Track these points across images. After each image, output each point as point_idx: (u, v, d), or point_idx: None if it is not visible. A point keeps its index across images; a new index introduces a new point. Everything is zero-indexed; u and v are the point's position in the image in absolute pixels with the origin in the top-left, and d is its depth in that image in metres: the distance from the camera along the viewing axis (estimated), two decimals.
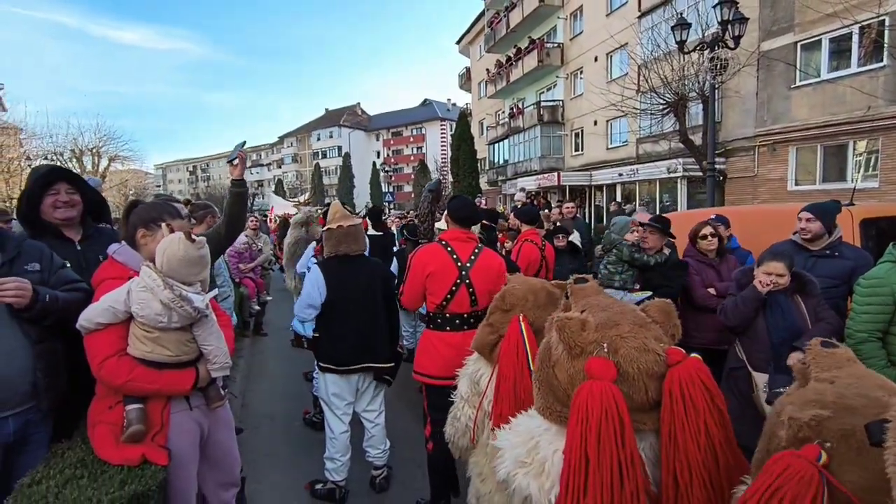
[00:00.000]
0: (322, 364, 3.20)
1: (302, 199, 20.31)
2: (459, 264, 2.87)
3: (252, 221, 7.51)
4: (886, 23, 10.05)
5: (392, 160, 58.32)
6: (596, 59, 20.28)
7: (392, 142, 60.77)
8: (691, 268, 3.77)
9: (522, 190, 12.24)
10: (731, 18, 8.51)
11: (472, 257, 2.91)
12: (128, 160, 33.05)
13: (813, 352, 1.07)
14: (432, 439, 2.89)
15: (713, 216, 4.34)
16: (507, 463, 1.40)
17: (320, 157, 62.36)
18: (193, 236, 2.01)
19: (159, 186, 74.63)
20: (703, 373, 1.31)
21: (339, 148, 59.93)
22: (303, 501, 3.29)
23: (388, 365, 3.20)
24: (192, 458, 2.09)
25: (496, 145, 28.86)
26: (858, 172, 11.60)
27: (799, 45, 12.39)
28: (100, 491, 1.69)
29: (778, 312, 2.81)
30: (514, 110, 26.11)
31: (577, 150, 22.67)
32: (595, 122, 20.42)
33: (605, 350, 1.34)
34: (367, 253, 3.38)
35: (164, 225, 2.07)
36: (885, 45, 10.14)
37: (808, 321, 2.81)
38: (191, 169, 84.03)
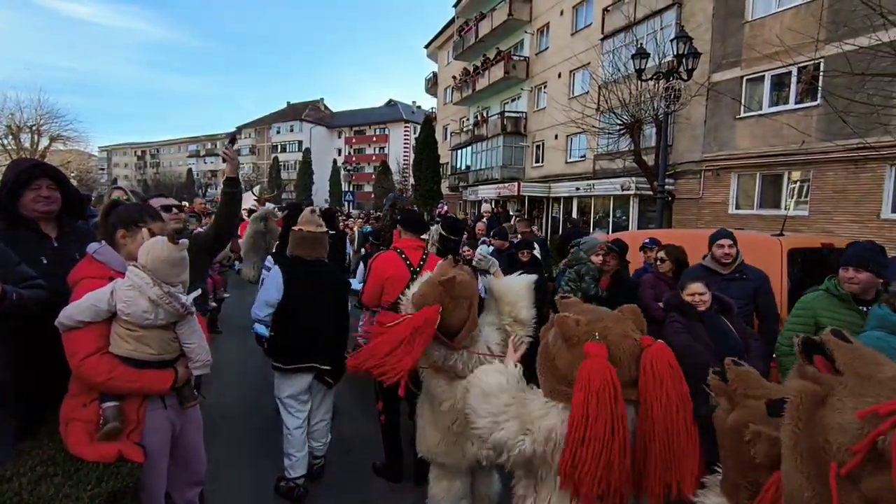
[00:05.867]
0: (272, 363, 3.38)
1: (256, 191, 19.77)
2: (412, 268, 3.39)
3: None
4: (821, 66, 10.98)
5: (354, 159, 57.76)
6: (559, 76, 20.95)
7: (354, 140, 60.19)
8: (648, 281, 4.09)
9: (488, 202, 12.52)
10: (685, 52, 9.10)
11: (422, 262, 3.44)
12: (71, 141, 31.26)
13: (733, 371, 1.28)
14: (385, 413, 3.45)
15: (647, 240, 4.80)
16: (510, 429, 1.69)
17: (279, 150, 60.97)
18: (176, 238, 2.07)
19: (103, 170, 70.72)
20: (669, 354, 1.68)
21: (300, 143, 58.83)
22: (260, 501, 3.34)
23: (328, 368, 3.35)
24: (163, 456, 2.14)
25: (459, 151, 29.20)
26: (791, 199, 12.61)
27: (745, 79, 13.31)
28: (77, 488, 1.72)
29: (720, 333, 3.11)
30: (479, 118, 26.53)
31: (537, 161, 23.29)
32: (556, 136, 21.07)
33: (598, 337, 1.67)
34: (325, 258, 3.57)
35: (145, 229, 2.11)
36: (819, 87, 11.07)
37: (740, 340, 3.14)
38: (139, 154, 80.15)
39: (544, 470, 1.69)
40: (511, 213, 17.01)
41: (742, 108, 13.19)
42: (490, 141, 25.00)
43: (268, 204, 7.53)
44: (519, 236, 7.15)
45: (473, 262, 2.98)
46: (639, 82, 11.32)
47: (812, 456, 0.95)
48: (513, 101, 25.21)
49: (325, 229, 3.54)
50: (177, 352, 2.09)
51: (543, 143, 22.52)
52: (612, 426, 1.52)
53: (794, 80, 12.30)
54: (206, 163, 70.16)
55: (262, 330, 3.90)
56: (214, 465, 3.66)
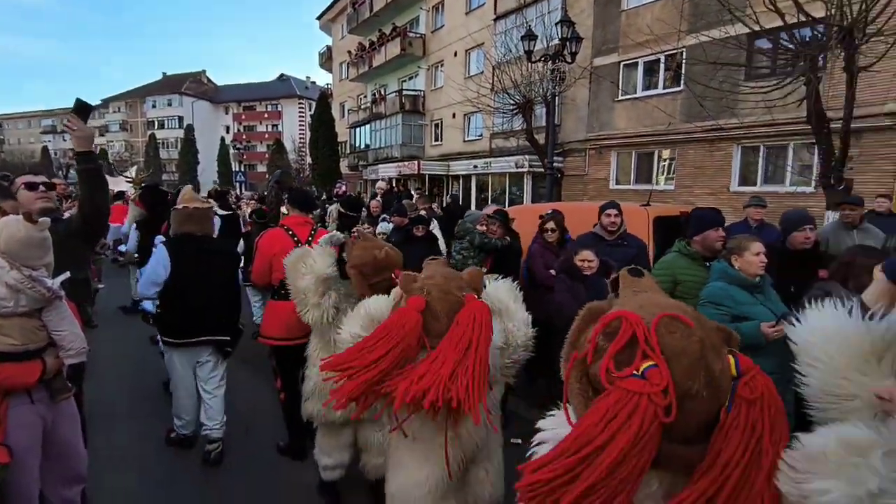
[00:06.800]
0: (163, 338, 3.43)
1: (132, 172, 18.10)
2: (299, 245, 3.33)
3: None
4: (684, 55, 12.25)
5: (244, 137, 54.03)
6: (455, 55, 21.19)
7: (244, 116, 56.19)
8: (536, 251, 4.39)
9: (383, 179, 12.46)
10: (569, 36, 9.67)
11: (310, 238, 3.41)
12: None
13: (622, 276, 1.44)
14: (284, 390, 3.45)
15: (550, 210, 5.09)
16: None
17: (156, 126, 55.13)
18: (35, 217, 1.87)
19: None
20: (484, 312, 1.83)
21: (181, 119, 53.64)
22: (150, 500, 3.16)
23: (226, 338, 3.44)
24: (32, 454, 1.96)
25: (358, 129, 28.55)
26: (662, 176, 14.08)
27: (622, 64, 14.48)
28: None
29: (598, 294, 3.46)
30: (377, 96, 26.08)
31: (436, 140, 23.53)
32: (454, 115, 21.40)
33: (424, 292, 1.85)
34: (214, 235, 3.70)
35: None
36: (682, 74, 12.38)
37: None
38: None
39: None
40: (412, 191, 17.10)
41: (620, 91, 14.35)
42: (389, 119, 24.74)
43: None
44: (422, 213, 7.27)
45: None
46: (529, 64, 11.83)
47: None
48: (410, 78, 25.07)
49: (210, 205, 3.62)
50: (44, 341, 1.91)
51: (442, 122, 22.77)
52: (391, 350, 1.71)
53: (662, 67, 13.62)
54: (65, 140, 61.40)
55: (149, 306, 3.87)
56: (98, 460, 3.45)
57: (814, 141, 7.08)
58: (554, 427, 1.17)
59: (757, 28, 6.65)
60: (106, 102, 58.54)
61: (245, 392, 4.56)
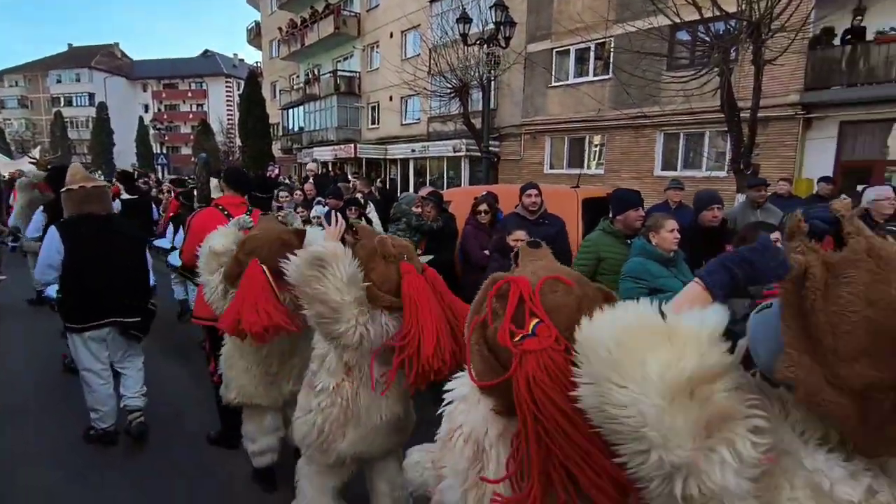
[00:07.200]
0: (66, 325, 3.28)
1: (36, 153, 16.66)
2: None
3: None
4: (612, 44, 12.75)
5: (165, 116, 50.58)
6: (391, 36, 20.82)
7: (164, 95, 52.55)
8: (469, 232, 4.45)
9: (315, 160, 12.13)
10: (503, 20, 9.77)
11: None
12: None
13: (522, 249, 1.53)
14: (217, 374, 3.29)
15: (485, 192, 5.18)
16: None
17: (63, 104, 50.30)
18: None
19: None
20: (434, 274, 2.04)
21: (91, 95, 49.33)
22: (69, 496, 2.96)
23: (135, 320, 3.34)
24: None
25: (291, 111, 27.48)
26: (593, 161, 14.67)
27: (554, 51, 14.83)
28: None
29: None
30: (310, 76, 25.18)
31: (373, 123, 23.13)
32: (391, 98, 21.10)
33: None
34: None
35: None
36: (611, 63, 12.88)
37: None
38: None
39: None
40: (349, 175, 16.78)
41: (553, 78, 14.72)
42: (323, 101, 23.99)
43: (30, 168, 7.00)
44: (358, 196, 7.16)
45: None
46: (465, 47, 11.85)
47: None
48: (345, 59, 24.39)
49: (101, 183, 3.55)
50: None
51: (378, 105, 22.38)
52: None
53: (592, 55, 14.09)
54: None
55: (51, 293, 3.62)
56: (13, 456, 3.20)
57: (727, 129, 7.65)
58: (459, 386, 1.32)
59: (677, 20, 7.03)
60: (0, 75, 52.66)
61: (176, 383, 4.38)
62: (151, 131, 46.89)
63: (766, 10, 6.32)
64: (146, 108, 51.89)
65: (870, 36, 10.17)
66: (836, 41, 10.46)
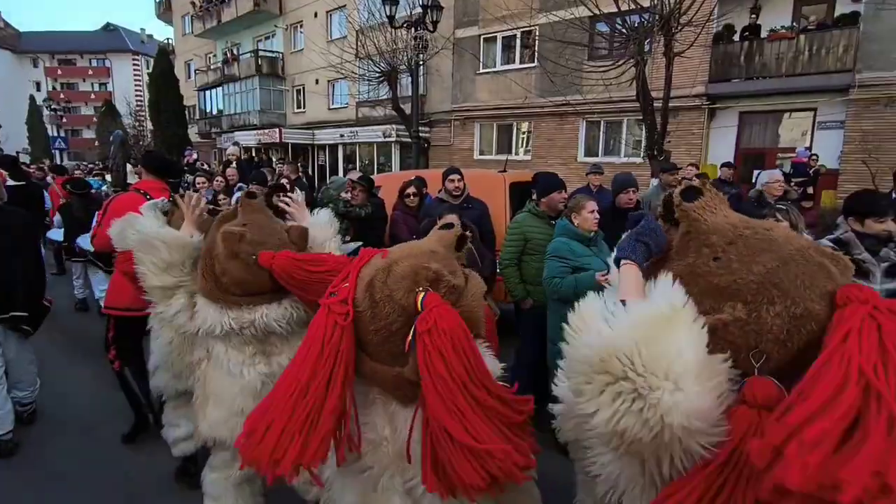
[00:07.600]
0: None
1: None
2: None
3: None
4: (537, 32, 13.05)
5: (62, 96, 45.70)
6: (316, 16, 20.04)
7: (60, 72, 47.46)
8: (398, 217, 4.44)
9: (236, 144, 11.50)
10: (429, 3, 9.69)
11: None
12: None
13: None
14: (119, 359, 3.24)
15: (414, 177, 5.17)
16: None
17: None
18: None
19: None
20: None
21: None
22: None
23: (23, 314, 3.16)
24: None
25: (208, 93, 25.80)
26: (521, 148, 15.04)
27: (482, 38, 14.96)
28: None
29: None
30: (228, 56, 23.75)
31: (299, 107, 22.27)
32: (317, 81, 20.39)
33: (254, 259, 1.85)
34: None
35: None
36: (535, 51, 13.20)
37: (478, 256, 3.73)
38: None
39: None
40: (274, 160, 16.09)
41: (481, 64, 14.86)
42: (244, 82, 22.73)
43: None
44: (283, 182, 6.88)
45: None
46: (393, 30, 11.65)
47: None
48: (267, 38, 23.20)
49: None
50: None
51: (304, 88, 21.57)
52: None
53: (518, 42, 14.36)
54: None
55: None
56: None
57: (642, 118, 8.12)
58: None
59: (597, 12, 7.33)
60: None
61: (84, 386, 4.07)
62: (45, 112, 42.20)
63: (675, 5, 6.74)
64: (38, 85, 46.63)
65: (764, 33, 11.17)
66: (736, 37, 11.39)
